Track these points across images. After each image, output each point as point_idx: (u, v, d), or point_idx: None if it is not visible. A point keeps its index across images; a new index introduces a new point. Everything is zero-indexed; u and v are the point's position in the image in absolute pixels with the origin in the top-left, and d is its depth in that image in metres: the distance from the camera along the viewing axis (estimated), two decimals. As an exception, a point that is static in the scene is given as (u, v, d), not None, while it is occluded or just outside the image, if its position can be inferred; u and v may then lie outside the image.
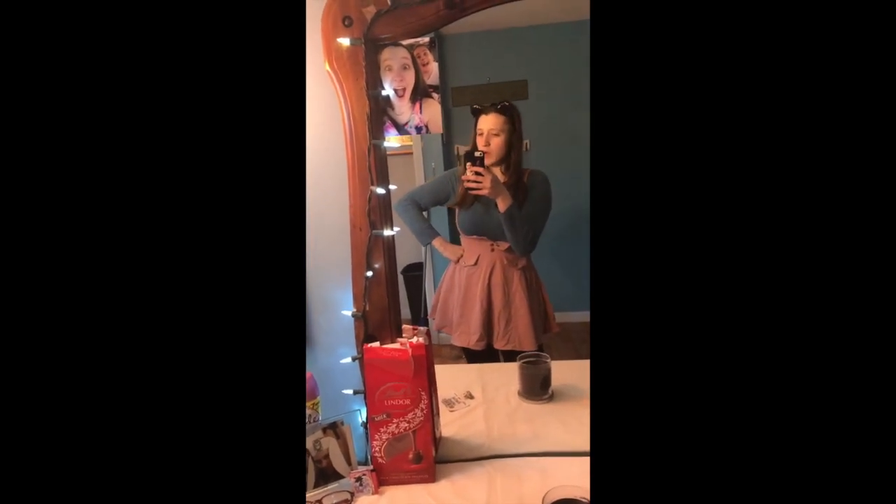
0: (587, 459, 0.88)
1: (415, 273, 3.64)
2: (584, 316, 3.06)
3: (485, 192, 1.34)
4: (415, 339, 0.83)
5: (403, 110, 1.03)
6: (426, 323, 3.29)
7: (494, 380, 1.16)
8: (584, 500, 0.67)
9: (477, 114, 1.47)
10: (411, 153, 3.12)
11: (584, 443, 0.92)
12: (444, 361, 3.02)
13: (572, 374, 1.16)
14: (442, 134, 3.47)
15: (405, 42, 0.97)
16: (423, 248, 1.83)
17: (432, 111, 1.05)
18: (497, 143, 1.41)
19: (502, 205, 1.37)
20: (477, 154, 1.36)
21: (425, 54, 0.99)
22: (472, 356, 1.56)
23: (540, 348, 1.53)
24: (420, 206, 1.65)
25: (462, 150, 1.51)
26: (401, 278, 3.80)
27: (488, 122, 1.42)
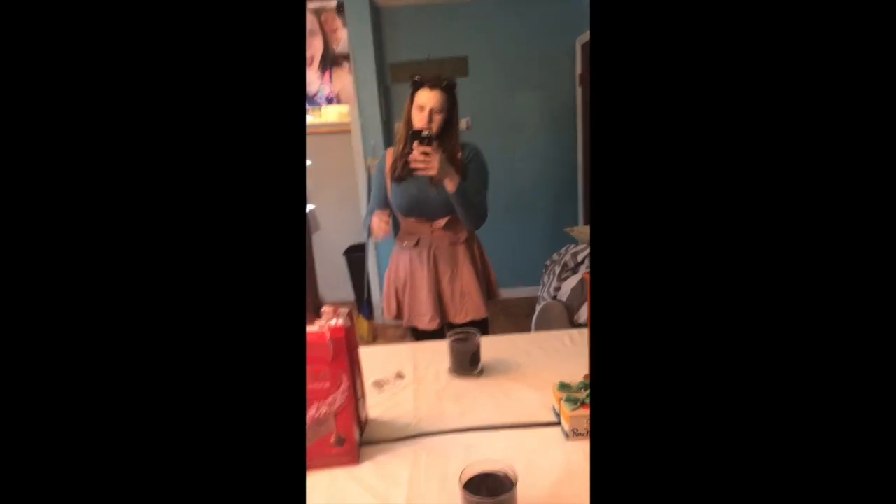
0: (512, 433, 0.90)
1: (357, 254, 3.59)
2: (524, 291, 3.14)
3: (432, 172, 1.30)
4: (334, 322, 0.81)
5: (312, 80, 0.98)
6: (369, 306, 3.25)
7: (426, 358, 1.15)
8: (500, 472, 0.67)
9: (417, 87, 1.39)
10: (349, 130, 3.02)
11: (511, 416, 0.93)
12: (388, 342, 3.00)
13: (503, 348, 1.17)
14: (381, 111, 3.38)
15: (310, 5, 0.91)
16: (365, 230, 1.78)
17: (343, 81, 1.00)
18: (439, 121, 1.37)
19: (451, 185, 1.33)
20: (425, 133, 1.30)
21: (333, 20, 0.93)
22: (422, 337, 1.54)
23: (484, 320, 1.53)
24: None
25: (402, 127, 1.45)
26: (343, 260, 3.76)
27: (433, 99, 1.35)
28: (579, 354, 1.11)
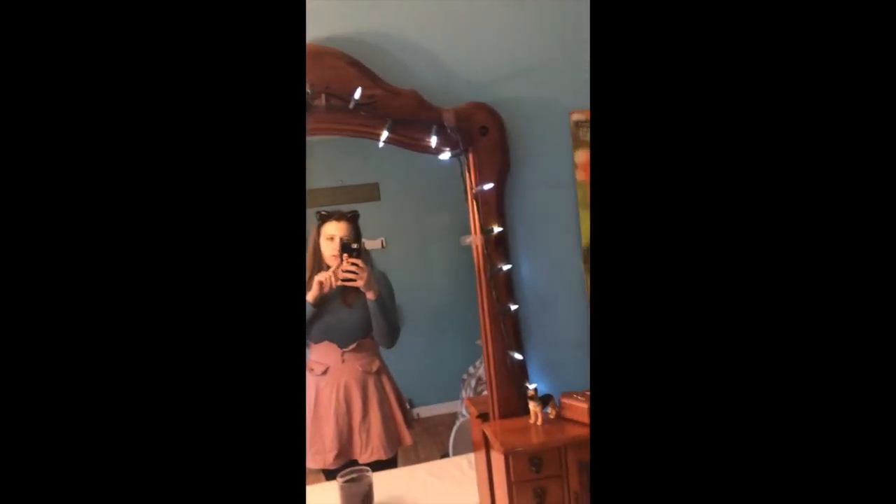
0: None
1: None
2: (444, 407, 3.10)
3: (360, 283, 1.35)
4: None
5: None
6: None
7: (321, 502, 1.10)
8: None
9: (324, 220, 1.49)
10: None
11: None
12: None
13: (401, 483, 1.15)
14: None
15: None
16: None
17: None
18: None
19: (373, 294, 1.38)
20: (354, 246, 1.37)
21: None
22: (332, 476, 1.46)
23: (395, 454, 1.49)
24: None
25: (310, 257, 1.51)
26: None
27: (340, 229, 1.45)
28: (473, 481, 1.12)
